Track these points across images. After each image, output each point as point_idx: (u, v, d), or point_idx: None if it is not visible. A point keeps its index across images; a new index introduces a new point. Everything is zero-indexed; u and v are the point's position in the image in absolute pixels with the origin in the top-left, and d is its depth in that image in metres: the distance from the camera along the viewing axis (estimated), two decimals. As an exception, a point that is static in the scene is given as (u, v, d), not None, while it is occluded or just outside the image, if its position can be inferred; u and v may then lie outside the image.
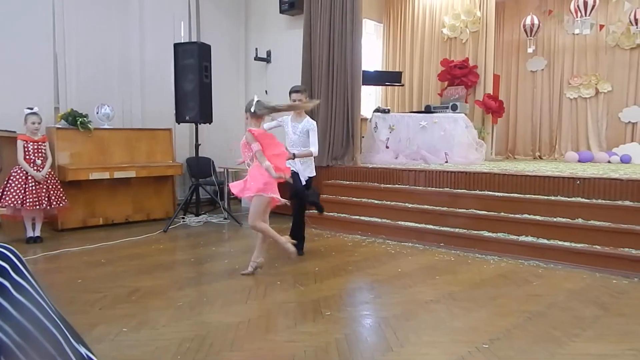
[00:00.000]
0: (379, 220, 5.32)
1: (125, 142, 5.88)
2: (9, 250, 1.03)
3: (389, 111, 7.07)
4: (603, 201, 4.34)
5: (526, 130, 9.38)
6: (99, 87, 6.10)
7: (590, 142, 8.56)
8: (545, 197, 4.58)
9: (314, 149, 4.21)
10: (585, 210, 4.31)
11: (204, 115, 5.82)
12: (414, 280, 3.66)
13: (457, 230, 4.74)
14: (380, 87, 8.67)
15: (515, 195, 4.77)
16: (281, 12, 7.13)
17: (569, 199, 4.47)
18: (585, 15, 7.38)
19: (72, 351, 1.04)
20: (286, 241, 3.78)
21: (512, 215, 4.58)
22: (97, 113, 5.77)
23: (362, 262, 4.20)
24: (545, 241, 4.24)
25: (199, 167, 6.33)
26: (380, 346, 2.50)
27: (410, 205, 5.26)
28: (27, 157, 4.74)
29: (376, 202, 5.54)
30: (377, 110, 7.02)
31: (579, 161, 7.80)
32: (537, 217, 4.45)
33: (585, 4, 7.31)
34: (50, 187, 4.84)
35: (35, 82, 5.58)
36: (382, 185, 5.70)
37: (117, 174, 5.56)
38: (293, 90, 4.26)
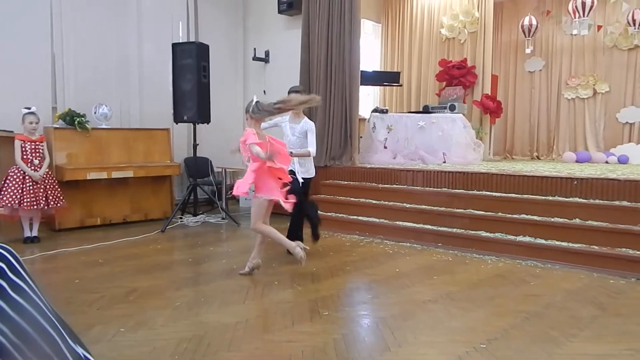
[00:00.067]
0: (377, 220, 5.32)
1: (123, 142, 5.87)
2: (6, 250, 1.03)
3: (387, 111, 7.08)
4: (600, 201, 4.35)
5: (524, 130, 9.40)
6: (97, 87, 6.10)
7: (587, 143, 8.58)
8: (543, 198, 4.59)
9: (312, 149, 4.21)
10: (583, 211, 4.32)
11: (202, 115, 5.81)
12: (412, 280, 3.66)
13: (454, 230, 4.75)
14: (379, 87, 8.68)
15: (513, 195, 4.78)
16: (279, 12, 7.13)
17: (566, 199, 4.48)
18: (583, 16, 7.40)
19: (70, 351, 1.03)
20: (296, 246, 3.68)
21: (510, 215, 4.59)
22: (95, 113, 5.77)
23: (360, 262, 4.20)
24: (542, 241, 4.25)
25: (197, 167, 6.33)
26: (378, 346, 2.50)
27: (408, 206, 5.27)
28: (25, 157, 4.73)
29: (374, 202, 5.54)
30: (375, 110, 7.03)
31: (577, 161, 7.81)
32: (535, 217, 4.46)
33: (583, 5, 7.33)
34: (47, 187, 4.83)
35: (33, 82, 5.57)
36: (380, 186, 5.70)
37: (115, 174, 5.55)
38: (292, 91, 4.25)
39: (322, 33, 6.30)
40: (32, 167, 4.74)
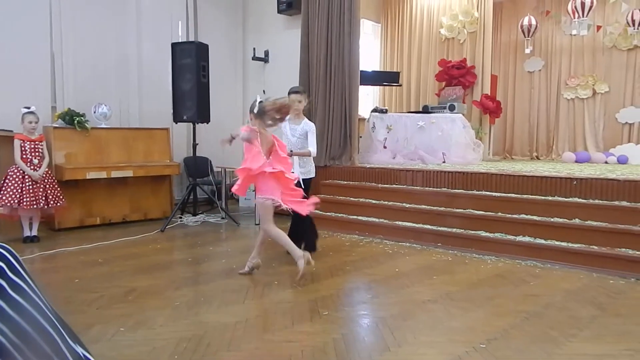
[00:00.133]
0: (377, 220, 5.32)
1: (122, 141, 5.87)
2: (5, 249, 1.02)
3: (386, 111, 7.08)
4: (600, 201, 4.35)
5: (523, 130, 9.40)
6: (96, 87, 6.09)
7: (587, 143, 8.59)
8: (543, 198, 4.59)
9: (313, 149, 4.18)
10: (582, 211, 4.32)
11: (202, 114, 5.81)
12: (412, 280, 3.66)
13: (454, 230, 4.75)
14: (378, 87, 8.68)
15: (513, 195, 4.78)
16: (279, 12, 7.13)
17: (566, 199, 4.48)
18: (583, 16, 7.40)
19: (69, 351, 1.03)
20: (301, 256, 3.50)
21: (510, 215, 4.59)
22: (95, 112, 5.76)
23: (359, 262, 4.20)
24: (542, 241, 4.25)
25: (197, 167, 6.32)
26: (378, 346, 2.50)
27: (407, 205, 5.27)
28: (24, 156, 4.73)
29: (374, 202, 5.54)
30: (374, 110, 7.03)
31: (576, 161, 7.82)
32: (535, 217, 4.46)
33: (583, 5, 7.33)
34: (47, 186, 4.82)
35: (33, 81, 5.56)
36: (380, 185, 5.70)
37: (115, 174, 5.55)
38: (292, 91, 4.23)
39: (322, 33, 6.30)
40: (32, 167, 4.74)
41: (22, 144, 4.73)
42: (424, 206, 5.16)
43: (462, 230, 4.71)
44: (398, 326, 2.74)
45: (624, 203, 4.25)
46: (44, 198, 4.76)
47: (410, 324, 2.78)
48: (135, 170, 5.73)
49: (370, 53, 8.70)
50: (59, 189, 4.96)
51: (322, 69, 6.30)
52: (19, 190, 4.63)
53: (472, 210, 4.84)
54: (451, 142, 6.78)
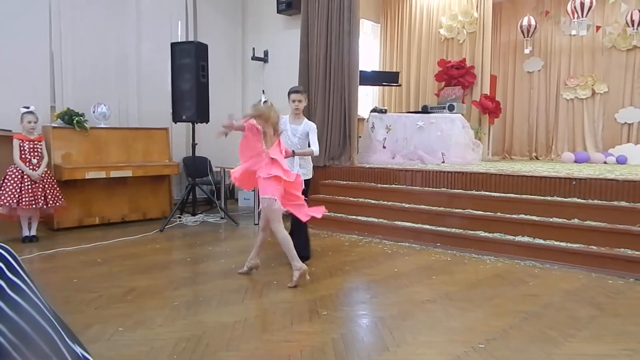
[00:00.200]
0: (376, 220, 5.32)
1: (121, 141, 5.87)
2: (4, 249, 1.02)
3: (386, 111, 7.08)
4: (599, 202, 4.36)
5: (523, 130, 9.41)
6: (96, 86, 6.09)
7: (586, 143, 8.60)
8: (542, 198, 4.60)
9: (315, 148, 4.12)
10: (582, 211, 4.32)
11: (201, 114, 5.81)
12: (411, 280, 3.67)
13: (453, 230, 4.75)
14: (378, 87, 8.68)
15: (512, 195, 4.79)
16: (278, 12, 7.13)
17: (565, 200, 4.49)
18: (582, 16, 7.41)
19: (68, 351, 1.03)
20: (299, 268, 3.45)
21: (509, 215, 4.59)
22: (94, 112, 5.76)
23: (358, 262, 4.20)
24: (541, 241, 4.26)
25: (196, 167, 6.32)
26: (377, 346, 2.50)
27: (407, 205, 5.27)
28: (23, 156, 4.72)
29: (373, 202, 5.54)
30: (374, 110, 7.03)
31: (575, 162, 7.83)
32: (534, 218, 4.46)
33: (582, 5, 7.34)
34: (46, 186, 4.82)
35: (32, 81, 5.56)
36: (379, 185, 5.70)
37: (114, 173, 5.54)
38: (292, 91, 4.22)
39: (321, 33, 6.30)
40: (31, 167, 4.74)
41: (21, 144, 4.73)
42: (423, 206, 5.16)
43: (461, 230, 4.71)
44: (397, 326, 2.74)
45: (623, 203, 4.25)
46: (43, 198, 4.76)
47: (409, 324, 2.78)
48: (135, 170, 5.73)
49: (369, 53, 8.70)
50: (58, 188, 4.95)
51: (321, 69, 6.30)
52: (18, 190, 4.63)
53: (471, 211, 4.85)
54: (450, 142, 6.79)
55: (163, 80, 6.46)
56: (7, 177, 4.66)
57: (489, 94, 8.11)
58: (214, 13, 7.46)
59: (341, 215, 5.58)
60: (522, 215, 4.53)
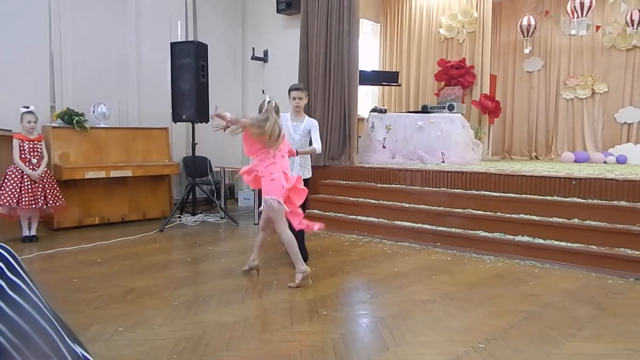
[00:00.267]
0: (376, 220, 5.32)
1: (121, 141, 5.87)
2: (4, 249, 1.02)
3: (385, 111, 7.08)
4: (599, 201, 4.36)
5: (522, 130, 9.41)
6: (95, 86, 6.09)
7: (586, 143, 8.60)
8: (542, 197, 4.60)
9: (317, 145, 4.09)
10: (581, 211, 4.32)
11: (201, 114, 5.80)
12: (411, 280, 3.67)
13: (453, 230, 4.75)
14: (377, 87, 8.67)
15: (512, 195, 4.79)
16: (278, 11, 7.13)
17: (565, 199, 4.49)
18: (582, 16, 7.41)
19: (68, 350, 1.03)
20: (303, 271, 3.43)
21: (509, 215, 4.59)
22: (94, 112, 5.76)
23: (358, 262, 4.20)
24: (541, 241, 4.26)
25: (196, 167, 6.32)
26: (377, 346, 2.50)
27: (406, 205, 5.27)
28: (23, 156, 4.72)
29: (373, 201, 5.54)
30: (374, 110, 7.03)
31: (575, 161, 7.83)
32: (534, 217, 4.46)
33: (582, 5, 7.34)
34: (46, 186, 4.82)
35: (32, 80, 5.56)
36: (379, 185, 5.70)
37: (113, 173, 5.54)
38: (293, 88, 4.21)
39: (321, 32, 6.30)
40: (31, 166, 4.73)
41: (21, 144, 4.73)
42: (423, 206, 5.16)
43: (461, 230, 4.71)
44: (397, 326, 2.74)
45: (623, 203, 4.25)
46: (42, 198, 4.76)
47: (409, 324, 2.78)
48: (134, 170, 5.72)
49: (369, 53, 8.69)
50: (57, 188, 4.95)
51: (321, 69, 6.30)
52: (18, 190, 4.63)
53: (471, 210, 4.85)
54: (450, 142, 6.79)
55: (163, 80, 6.45)
56: (7, 177, 4.66)
57: (488, 94, 8.11)
58: (214, 13, 7.46)
59: (341, 215, 5.58)
60: (522, 215, 4.53)
